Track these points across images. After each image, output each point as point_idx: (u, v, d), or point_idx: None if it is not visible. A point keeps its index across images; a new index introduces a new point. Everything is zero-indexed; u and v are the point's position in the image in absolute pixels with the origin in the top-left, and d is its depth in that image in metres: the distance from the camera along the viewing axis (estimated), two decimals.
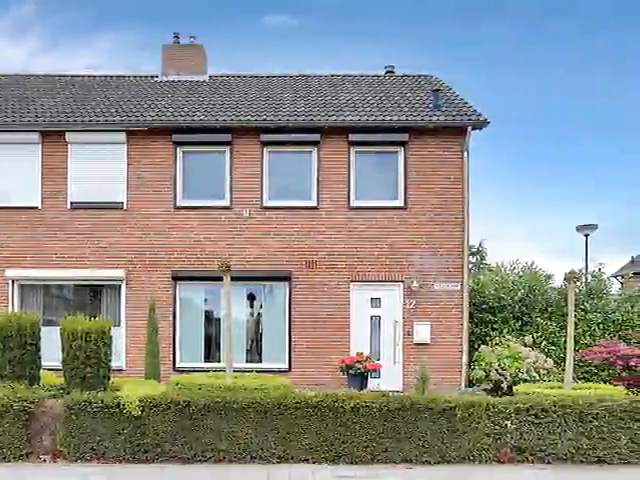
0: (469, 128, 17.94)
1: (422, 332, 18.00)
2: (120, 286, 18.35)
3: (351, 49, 50.77)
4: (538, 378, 16.87)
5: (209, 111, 18.77)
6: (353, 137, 18.20)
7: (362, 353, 17.36)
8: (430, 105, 18.86)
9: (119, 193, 18.47)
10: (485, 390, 16.93)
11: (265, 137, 18.26)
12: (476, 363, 17.71)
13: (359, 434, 11.50)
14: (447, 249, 18.18)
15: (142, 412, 11.48)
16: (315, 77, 21.64)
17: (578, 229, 23.04)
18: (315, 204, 18.29)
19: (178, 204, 18.44)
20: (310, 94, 20.01)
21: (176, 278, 18.24)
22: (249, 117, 18.34)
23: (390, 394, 11.91)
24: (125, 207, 18.47)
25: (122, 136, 18.35)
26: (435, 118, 18.09)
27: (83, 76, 21.74)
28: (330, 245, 18.24)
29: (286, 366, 17.95)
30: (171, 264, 18.32)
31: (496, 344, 17.89)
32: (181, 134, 18.33)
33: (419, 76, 21.67)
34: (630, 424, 11.78)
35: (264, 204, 18.32)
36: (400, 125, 18.05)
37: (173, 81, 21.21)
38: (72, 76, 21.79)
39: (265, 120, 18.21)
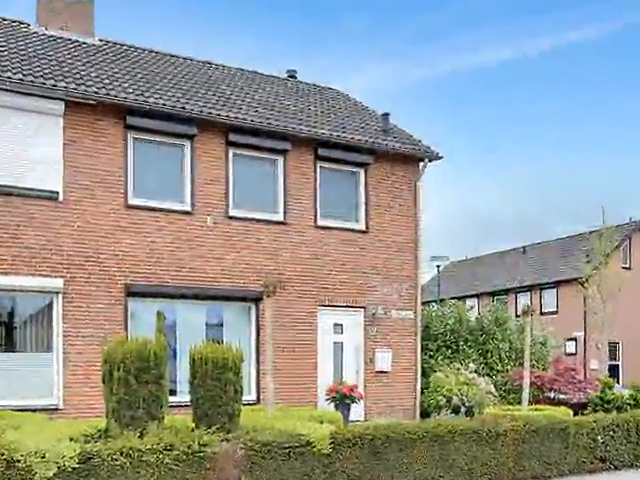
0: (426, 160, 18.40)
1: (384, 360, 17.72)
2: (52, 301, 14.14)
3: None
4: (488, 402, 17.68)
5: (171, 94, 16.14)
6: (323, 152, 17.29)
7: (343, 381, 16.26)
8: (377, 127, 18.86)
9: (53, 179, 14.42)
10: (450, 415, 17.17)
11: (234, 137, 16.26)
12: (431, 390, 17.82)
13: (503, 455, 11.66)
14: (403, 277, 18.18)
15: (332, 449, 9.39)
16: (258, 75, 20.45)
17: (431, 259, 25.01)
18: (282, 218, 16.83)
19: (130, 202, 15.19)
20: (270, 96, 18.55)
21: (130, 293, 14.80)
22: (220, 111, 16.15)
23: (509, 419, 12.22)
24: (61, 198, 14.48)
25: (59, 106, 14.49)
26: (398, 145, 18.17)
27: None
28: (299, 265, 16.84)
29: (254, 398, 16.00)
30: (123, 275, 14.84)
31: (441, 371, 18.24)
32: (136, 117, 15.27)
33: (329, 89, 21.67)
34: None
35: (229, 212, 16.19)
36: (367, 147, 17.69)
37: (75, 40, 17.36)
38: None
39: (237, 118, 16.24)
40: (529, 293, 35.52)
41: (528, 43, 56.42)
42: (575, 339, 32.41)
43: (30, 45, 16.33)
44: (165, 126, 15.52)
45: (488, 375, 19.19)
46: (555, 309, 34.11)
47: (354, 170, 17.93)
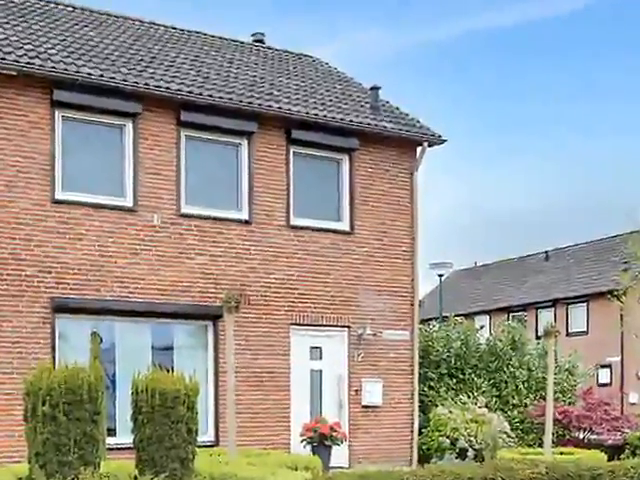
0: (425, 144, 18.67)
1: (373, 392, 17.94)
2: None
3: None
4: (502, 443, 18.04)
5: (110, 62, 16.33)
6: (297, 134, 17.54)
7: (323, 418, 16.54)
8: (365, 104, 19.10)
9: None
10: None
11: (187, 115, 16.46)
12: (432, 429, 18.12)
13: None
14: (397, 288, 18.45)
15: None
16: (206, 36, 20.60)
17: (431, 267, 25.32)
18: (247, 217, 17.03)
19: (57, 196, 15.36)
20: (232, 66, 18.78)
21: (58, 309, 14.98)
22: (169, 84, 16.35)
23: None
24: None
25: None
26: (390, 125, 18.44)
27: None
28: (267, 274, 17.07)
29: (212, 439, 16.21)
30: (49, 287, 14.98)
31: (444, 405, 18.55)
32: (65, 91, 15.43)
33: (305, 56, 21.85)
34: None
35: (181, 209, 16.40)
36: (352, 128, 17.93)
37: None
38: None
39: (191, 93, 16.45)
40: (553, 309, 36.01)
41: None
42: (610, 366, 32.90)
43: None
44: (101, 102, 15.66)
45: (502, 411, 19.58)
46: (585, 329, 34.62)
47: (336, 157, 18.15)
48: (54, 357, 14.83)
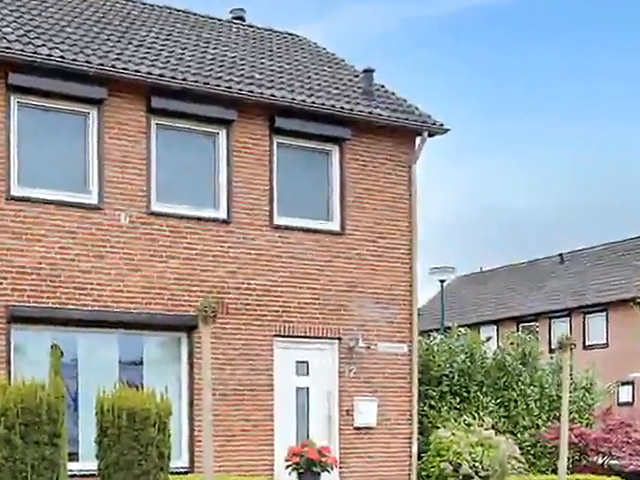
0: (425, 133, 18.79)
1: (367, 412, 17.98)
2: None
3: None
4: (511, 469, 18.14)
5: (71, 41, 16.38)
6: (282, 122, 17.63)
7: (311, 441, 16.58)
8: (357, 89, 19.20)
9: None
10: None
11: (158, 102, 16.57)
12: (433, 453, 18.19)
13: None
14: (393, 296, 18.57)
15: None
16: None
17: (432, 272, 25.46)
18: (225, 216, 17.16)
19: (13, 192, 15.53)
20: (209, 46, 18.89)
21: (13, 319, 15.19)
22: (139, 66, 16.43)
23: None
24: None
25: None
26: (386, 113, 18.52)
27: None
28: (248, 279, 17.19)
29: (185, 464, 16.37)
30: (3, 294, 15.26)
31: (446, 427, 18.62)
32: (21, 74, 15.55)
33: (290, 35, 21.98)
34: None
35: (151, 207, 16.52)
36: (343, 115, 18.03)
37: None
38: None
39: (162, 76, 16.55)
40: (568, 319, 36.17)
41: None
42: (632, 383, 33.00)
43: None
44: (62, 87, 15.72)
45: (511, 433, 19.68)
46: (604, 341, 34.77)
47: (325, 148, 18.25)
48: (9, 372, 14.90)
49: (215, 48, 18.92)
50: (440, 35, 66.20)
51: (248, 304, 17.12)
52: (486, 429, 18.67)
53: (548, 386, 20.61)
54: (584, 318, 35.72)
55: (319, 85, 18.83)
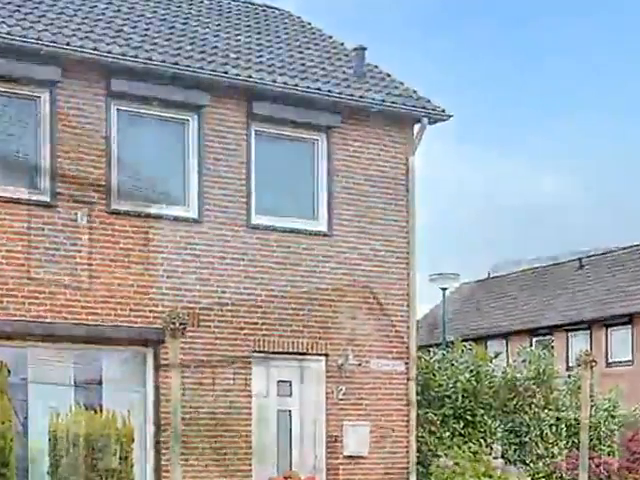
0: (424, 120, 18.92)
1: (358, 438, 18.05)
2: None
3: None
4: None
5: (21, 15, 16.52)
6: (260, 107, 17.77)
7: (294, 472, 16.87)
8: (347, 70, 19.33)
9: None
10: None
11: (119, 85, 16.69)
12: None
13: None
14: (388, 306, 18.71)
15: None
16: None
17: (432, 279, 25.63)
18: (195, 214, 17.30)
19: None
20: (177, 21, 18.99)
21: None
22: (98, 44, 16.52)
23: None
24: None
25: None
26: (380, 97, 18.63)
27: None
28: (221, 288, 17.32)
29: None
30: None
31: (449, 456, 18.77)
32: None
33: (270, 8, 22.03)
34: None
35: (112, 205, 16.64)
36: (331, 100, 18.16)
37: None
38: None
39: (124, 55, 16.64)
40: (588, 332, 36.23)
41: None
42: None
43: None
44: (10, 67, 15.81)
45: (523, 463, 19.79)
46: (629, 357, 34.86)
47: (311, 137, 18.39)
48: None
49: (185, 23, 18.99)
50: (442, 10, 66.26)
51: (222, 315, 17.23)
52: (495, 458, 18.80)
53: (565, 409, 20.75)
54: (606, 331, 35.79)
55: (303, 65, 18.93)
